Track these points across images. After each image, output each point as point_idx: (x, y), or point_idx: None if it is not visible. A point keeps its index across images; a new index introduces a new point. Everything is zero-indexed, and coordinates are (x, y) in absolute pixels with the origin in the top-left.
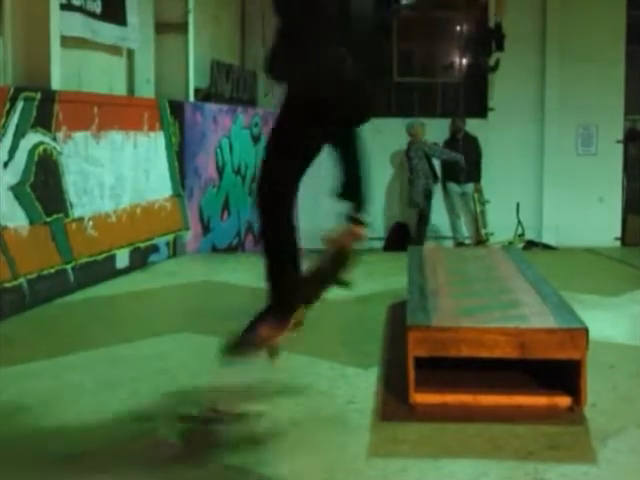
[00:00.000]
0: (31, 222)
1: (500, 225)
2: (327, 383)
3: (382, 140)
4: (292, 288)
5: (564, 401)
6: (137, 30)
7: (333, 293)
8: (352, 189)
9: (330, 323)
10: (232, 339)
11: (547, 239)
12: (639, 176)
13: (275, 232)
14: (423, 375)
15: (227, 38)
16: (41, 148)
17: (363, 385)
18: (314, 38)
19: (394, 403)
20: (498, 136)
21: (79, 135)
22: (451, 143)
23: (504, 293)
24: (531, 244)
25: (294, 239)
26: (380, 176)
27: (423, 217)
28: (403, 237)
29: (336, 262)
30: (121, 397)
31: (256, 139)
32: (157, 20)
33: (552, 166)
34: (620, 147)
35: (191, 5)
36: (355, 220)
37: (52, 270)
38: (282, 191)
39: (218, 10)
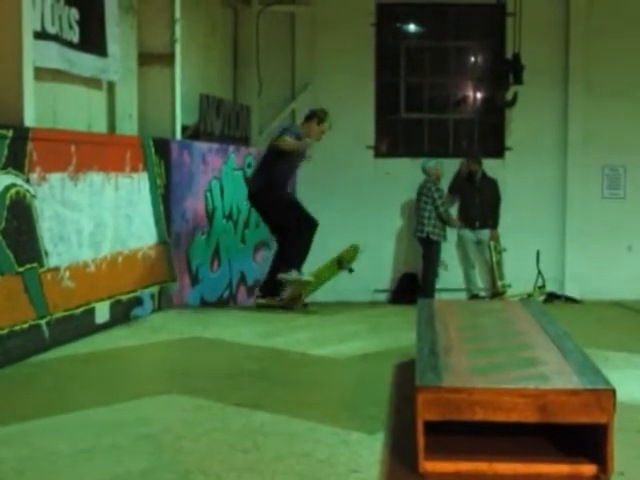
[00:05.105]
0: (2, 272)
1: (518, 276)
2: (328, 450)
3: (389, 182)
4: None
5: (589, 469)
6: (118, 61)
7: (335, 351)
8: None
9: (331, 384)
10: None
11: (570, 291)
12: None
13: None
14: (434, 441)
15: (218, 70)
16: (13, 191)
17: (367, 452)
18: None
19: (401, 472)
20: (516, 178)
21: (55, 177)
22: (467, 186)
23: (522, 350)
24: (552, 297)
25: None
26: (387, 222)
27: (430, 265)
28: (412, 288)
29: None
30: (100, 466)
31: None
32: (140, 50)
33: (575, 211)
34: None
35: (178, 34)
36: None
37: (25, 325)
38: None
39: (208, 39)
